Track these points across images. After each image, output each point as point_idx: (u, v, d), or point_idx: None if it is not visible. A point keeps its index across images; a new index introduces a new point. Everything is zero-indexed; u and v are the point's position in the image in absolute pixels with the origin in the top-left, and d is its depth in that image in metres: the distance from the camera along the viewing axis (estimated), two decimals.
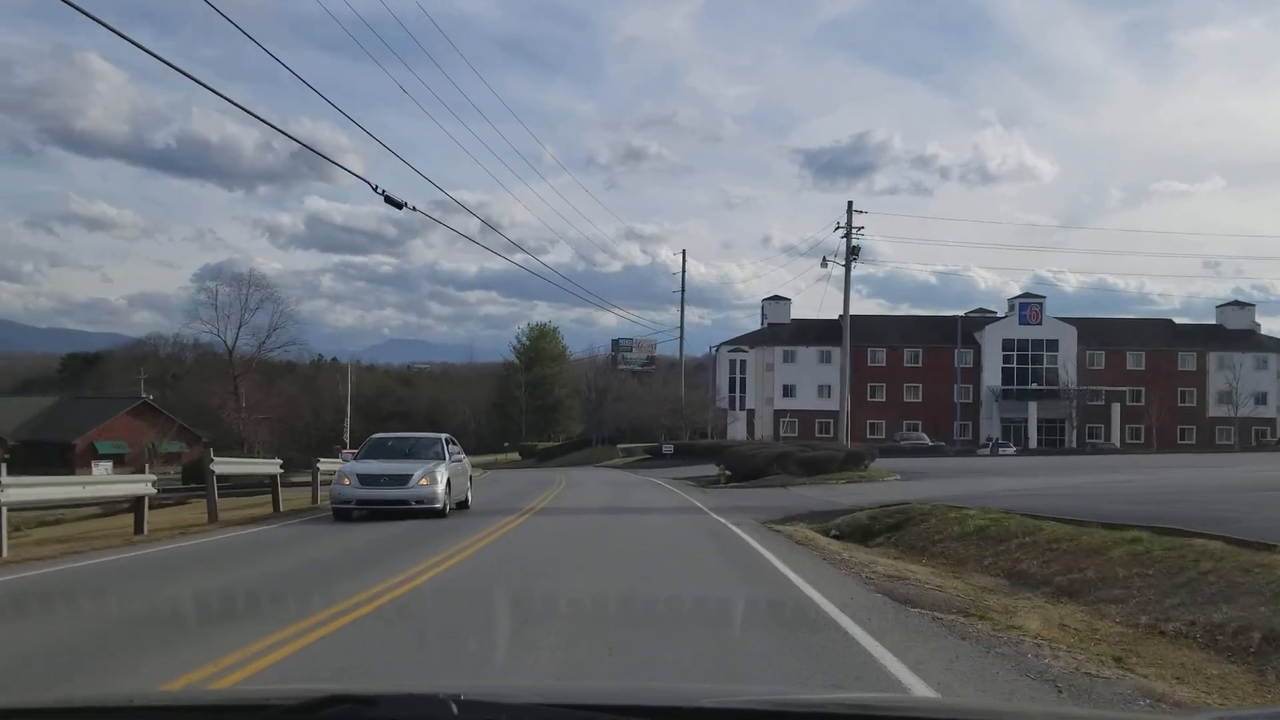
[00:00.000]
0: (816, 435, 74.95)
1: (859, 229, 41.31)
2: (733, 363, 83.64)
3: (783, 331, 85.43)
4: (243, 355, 64.00)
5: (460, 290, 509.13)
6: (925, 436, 72.85)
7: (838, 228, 41.43)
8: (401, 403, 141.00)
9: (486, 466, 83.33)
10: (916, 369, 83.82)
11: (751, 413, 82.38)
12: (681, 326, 76.85)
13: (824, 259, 40.78)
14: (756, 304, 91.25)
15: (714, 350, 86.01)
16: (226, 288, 74.59)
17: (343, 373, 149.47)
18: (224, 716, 2.39)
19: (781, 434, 79.21)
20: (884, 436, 77.67)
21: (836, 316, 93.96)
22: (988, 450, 72.00)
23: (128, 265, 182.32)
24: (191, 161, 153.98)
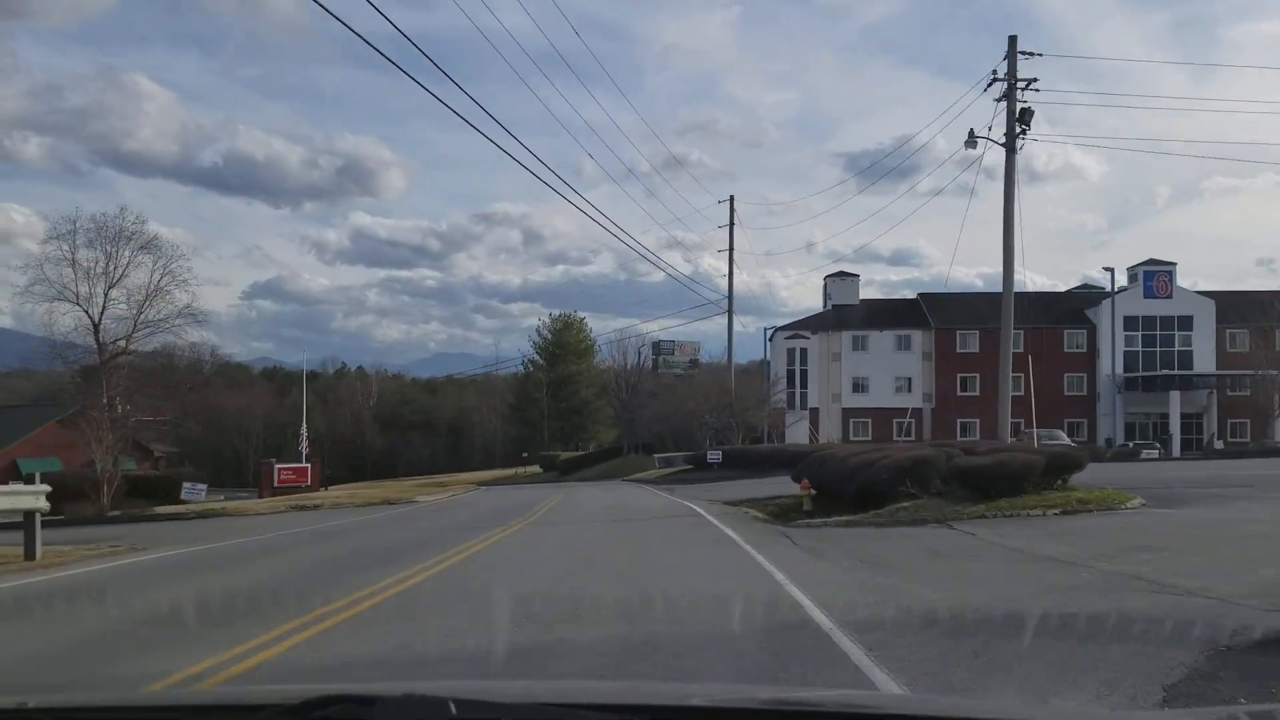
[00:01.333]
0: (895, 439, 60.53)
1: (1026, 86, 26.10)
2: (791, 352, 69.05)
3: (851, 314, 70.85)
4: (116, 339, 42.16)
5: (504, 303, 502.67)
6: (1063, 435, 57.50)
7: (992, 82, 26.53)
8: (423, 412, 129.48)
9: (492, 484, 70.49)
10: (1017, 354, 68.63)
11: (815, 411, 67.84)
12: (730, 286, 62.72)
13: (970, 134, 26.02)
14: (801, 311, 77.05)
15: (769, 335, 71.61)
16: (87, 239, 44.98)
17: (366, 382, 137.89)
18: (220, 716, 2.53)
19: (851, 437, 64.78)
20: (978, 438, 62.83)
21: (915, 295, 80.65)
22: (1129, 452, 56.56)
23: (178, 283, 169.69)
24: (238, 179, 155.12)
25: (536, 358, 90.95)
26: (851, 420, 67.83)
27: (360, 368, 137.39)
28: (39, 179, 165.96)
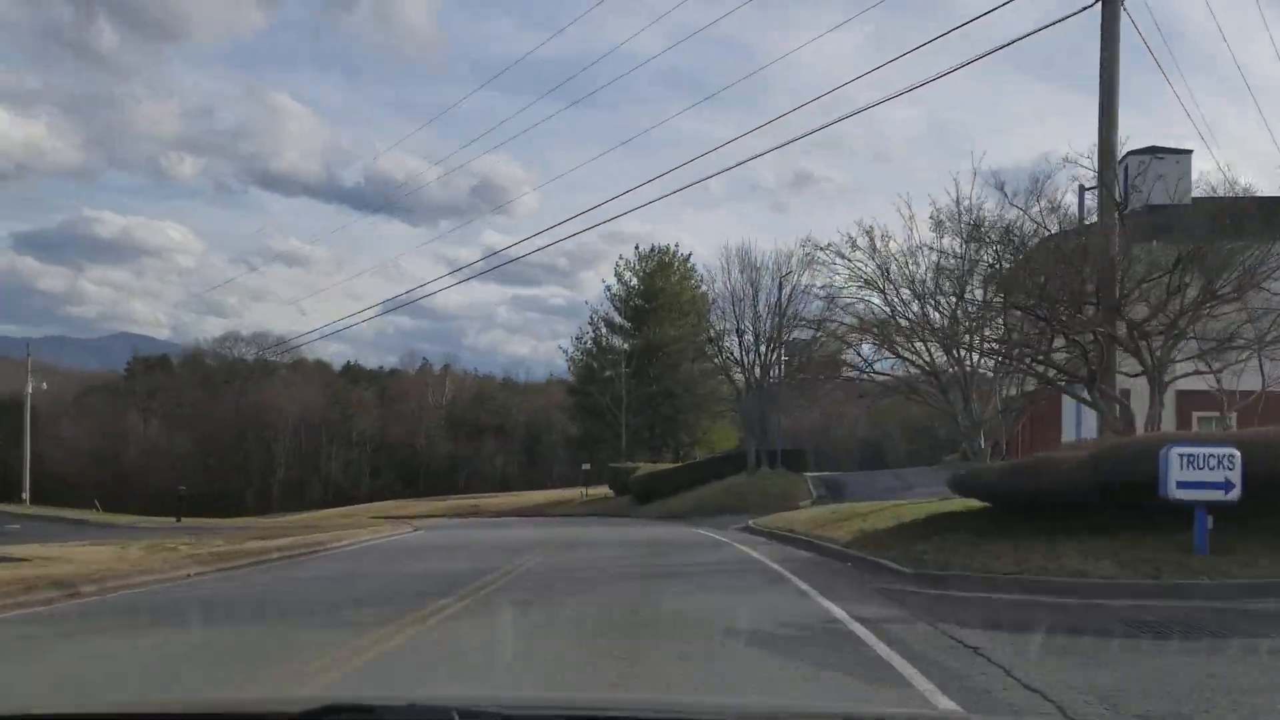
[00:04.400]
0: None
1: None
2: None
3: (1180, 216, 37.34)
4: None
5: None
6: None
7: None
8: (500, 414, 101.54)
9: (524, 514, 41.53)
10: None
11: (1125, 394, 34.72)
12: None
13: None
14: None
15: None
16: None
17: (440, 379, 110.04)
18: None
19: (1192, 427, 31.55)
20: None
21: None
22: None
23: (320, 299, 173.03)
24: (378, 198, 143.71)
25: (612, 313, 58.71)
26: (1194, 410, 34.44)
27: (446, 365, 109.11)
28: (196, 197, 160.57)
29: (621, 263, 58.50)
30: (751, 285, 42.29)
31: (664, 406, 55.02)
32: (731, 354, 43.68)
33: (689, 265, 57.13)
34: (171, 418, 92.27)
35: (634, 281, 58.49)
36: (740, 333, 42.26)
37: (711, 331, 44.79)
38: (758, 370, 42.14)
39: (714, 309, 44.18)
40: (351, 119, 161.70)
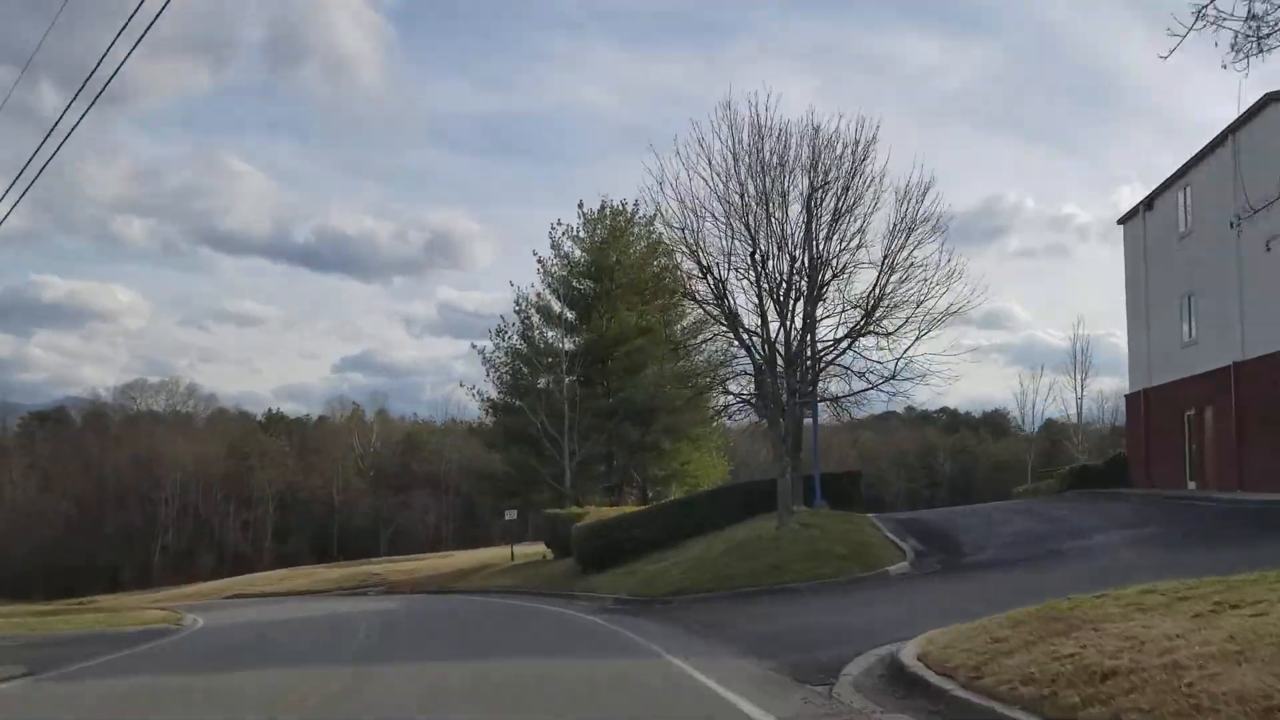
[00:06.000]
0: None
1: None
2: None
3: None
4: None
5: None
6: None
7: None
8: (432, 461, 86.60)
9: (413, 589, 31.13)
10: None
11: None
12: None
13: None
14: None
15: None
16: None
17: (366, 425, 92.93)
18: None
19: None
20: None
21: None
22: None
23: (274, 359, 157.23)
24: (330, 256, 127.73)
25: (549, 298, 40.86)
26: None
27: (380, 409, 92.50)
28: (143, 260, 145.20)
29: (560, 229, 40.51)
30: (777, 160, 20.79)
31: (624, 426, 37.82)
32: (733, 301, 21.47)
33: (652, 231, 36.40)
34: (54, 478, 75.51)
35: (578, 254, 40.44)
36: (758, 259, 20.53)
37: (686, 259, 21.84)
38: (792, 323, 20.88)
39: (691, 223, 21.31)
40: (301, 179, 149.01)
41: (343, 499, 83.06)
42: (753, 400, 20.84)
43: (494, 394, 39.69)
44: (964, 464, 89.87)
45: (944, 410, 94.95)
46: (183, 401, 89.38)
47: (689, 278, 20.47)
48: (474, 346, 42.44)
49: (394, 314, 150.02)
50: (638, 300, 38.19)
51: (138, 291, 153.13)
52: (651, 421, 37.80)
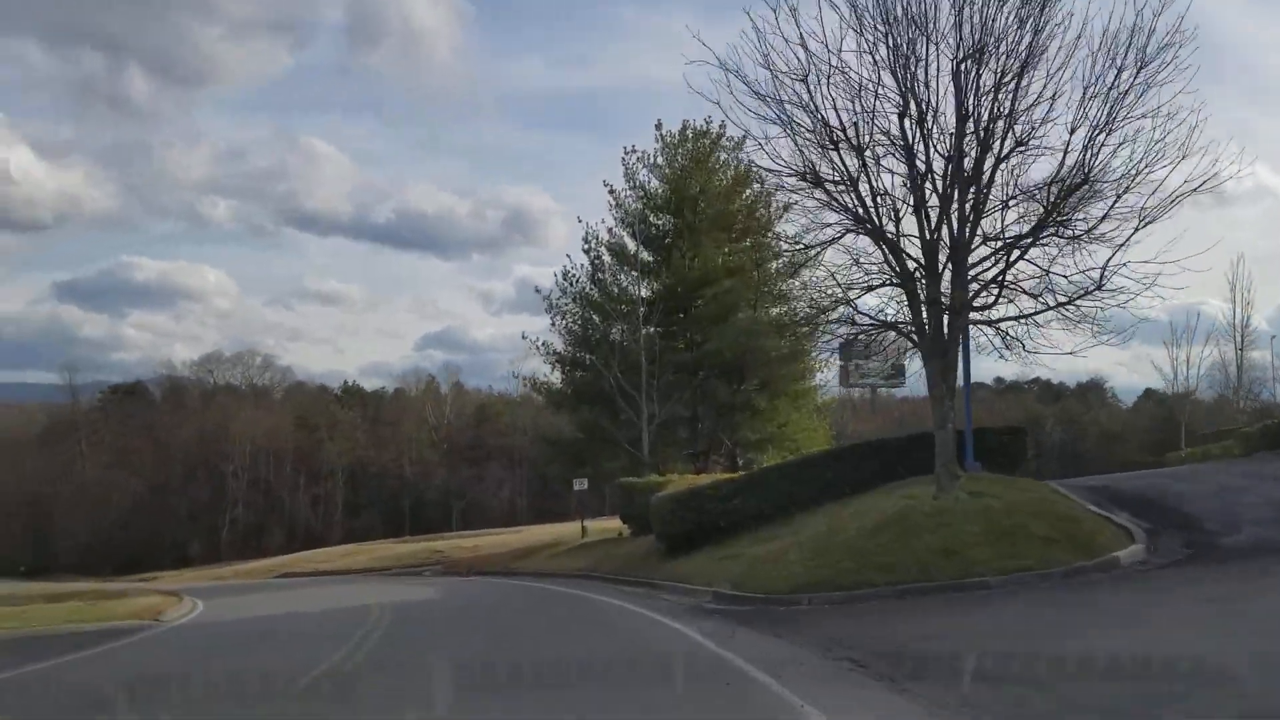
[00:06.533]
0: None
1: None
2: None
3: None
4: None
5: None
6: None
7: None
8: (504, 433, 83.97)
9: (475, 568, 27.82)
10: None
11: None
12: None
13: None
14: None
15: None
16: None
17: (439, 396, 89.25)
18: None
19: None
20: None
21: None
22: None
23: (357, 338, 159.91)
24: (410, 234, 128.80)
25: (623, 235, 34.67)
26: None
27: (457, 381, 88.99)
28: (230, 241, 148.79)
29: (634, 156, 34.18)
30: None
31: (710, 382, 32.53)
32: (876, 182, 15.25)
33: (741, 160, 31.04)
34: (125, 453, 73.77)
35: (655, 185, 34.23)
36: (905, 117, 14.38)
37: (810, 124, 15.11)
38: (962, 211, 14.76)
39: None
40: (381, 159, 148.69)
41: (416, 472, 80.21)
42: (899, 325, 14.88)
43: (560, 346, 34.33)
44: (1072, 434, 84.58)
45: (1036, 380, 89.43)
46: (259, 374, 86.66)
47: (818, 146, 14.30)
48: (537, 290, 36.85)
49: (473, 291, 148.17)
50: (725, 237, 32.61)
51: (225, 271, 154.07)
52: (743, 377, 32.11)
